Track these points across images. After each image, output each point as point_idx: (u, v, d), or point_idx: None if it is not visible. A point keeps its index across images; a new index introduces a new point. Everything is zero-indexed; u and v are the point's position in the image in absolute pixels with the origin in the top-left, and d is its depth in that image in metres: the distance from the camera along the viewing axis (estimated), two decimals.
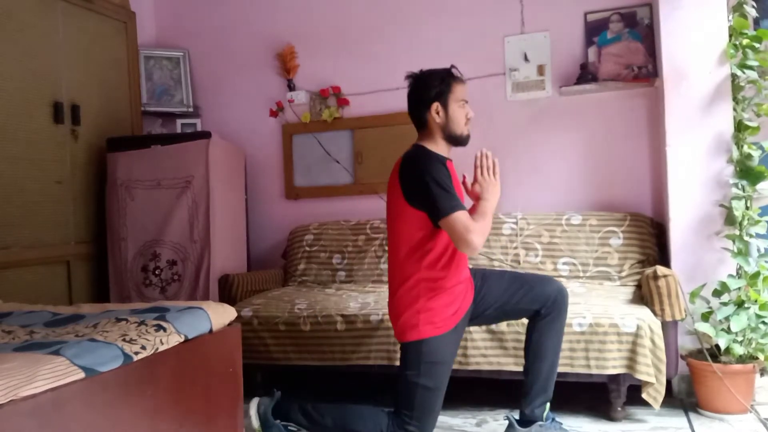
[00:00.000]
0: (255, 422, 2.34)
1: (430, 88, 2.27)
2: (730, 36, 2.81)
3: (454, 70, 2.31)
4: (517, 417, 2.33)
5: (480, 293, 2.34)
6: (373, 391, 3.06)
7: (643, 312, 2.58)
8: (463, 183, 2.29)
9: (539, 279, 2.39)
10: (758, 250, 2.74)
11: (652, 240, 3.15)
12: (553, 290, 2.30)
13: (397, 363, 2.76)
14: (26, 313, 2.13)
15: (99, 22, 3.68)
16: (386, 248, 3.48)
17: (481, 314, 2.36)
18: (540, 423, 2.29)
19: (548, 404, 2.34)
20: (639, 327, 2.49)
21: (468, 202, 2.21)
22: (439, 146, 2.29)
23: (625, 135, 3.41)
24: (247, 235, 3.81)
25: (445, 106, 2.26)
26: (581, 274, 3.19)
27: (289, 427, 2.35)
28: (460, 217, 2.08)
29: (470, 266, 2.39)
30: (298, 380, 3.30)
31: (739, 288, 2.64)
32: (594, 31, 3.44)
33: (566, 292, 2.33)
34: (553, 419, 2.33)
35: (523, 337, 2.61)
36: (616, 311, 2.58)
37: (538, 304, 2.29)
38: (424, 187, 2.14)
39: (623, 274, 3.13)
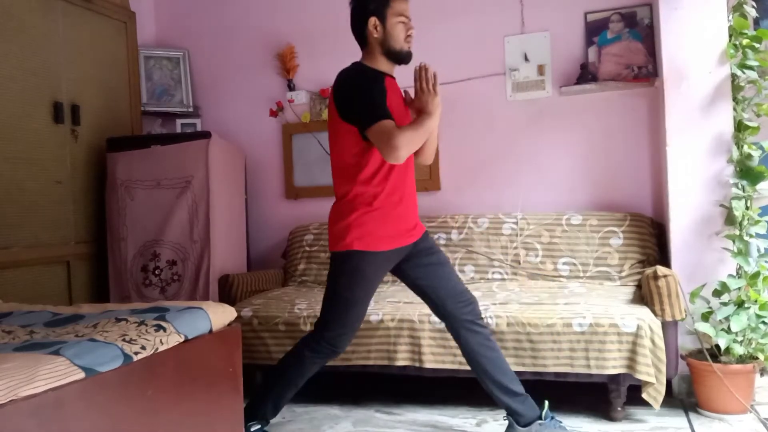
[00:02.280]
0: None
1: (367, 2, 2.27)
2: (730, 36, 2.81)
3: None
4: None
5: (424, 258, 2.34)
6: (373, 392, 3.06)
7: (643, 312, 2.58)
8: (405, 98, 2.32)
9: (461, 288, 2.40)
10: (758, 250, 2.73)
11: (652, 240, 3.16)
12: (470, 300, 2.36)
13: (397, 363, 2.77)
14: (26, 313, 2.12)
15: (99, 22, 3.68)
16: None
17: (409, 270, 2.36)
18: (540, 421, 2.30)
19: (547, 402, 2.35)
20: (639, 327, 2.49)
21: None
22: (378, 62, 2.29)
23: (625, 135, 3.41)
24: (247, 235, 3.81)
25: (382, 21, 2.25)
26: (581, 274, 3.19)
27: (251, 427, 2.34)
28: (384, 124, 2.10)
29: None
30: None
31: (739, 288, 2.64)
32: (594, 31, 3.43)
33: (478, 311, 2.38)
34: (553, 418, 2.34)
35: (523, 337, 2.62)
36: (616, 311, 2.58)
37: (453, 302, 2.32)
38: (351, 100, 2.19)
39: (623, 274, 3.13)
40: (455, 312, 2.32)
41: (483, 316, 2.63)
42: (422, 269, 2.35)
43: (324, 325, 2.32)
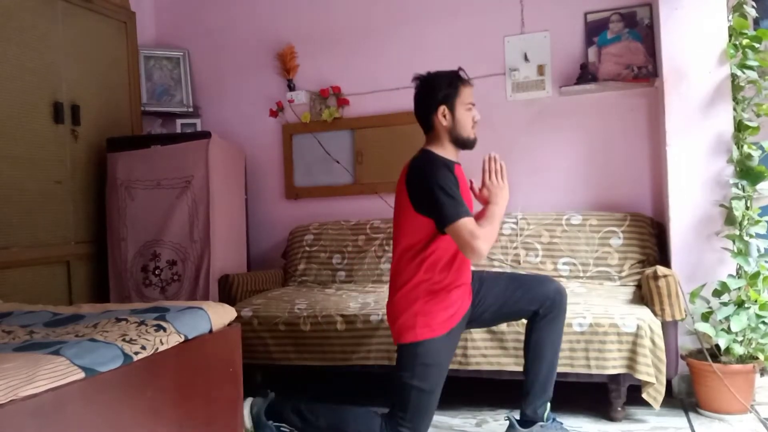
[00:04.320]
0: (248, 422, 2.34)
1: (437, 90, 2.25)
2: (730, 36, 2.81)
3: (461, 73, 2.29)
4: (517, 417, 2.33)
5: (478, 296, 2.34)
6: (373, 391, 3.06)
7: (643, 312, 2.58)
8: (471, 188, 2.28)
9: (537, 279, 2.39)
10: (758, 250, 2.73)
11: (652, 240, 3.15)
12: (551, 290, 2.30)
13: None
14: (26, 313, 2.13)
15: (99, 21, 3.68)
16: (386, 248, 3.48)
17: (479, 317, 2.35)
18: (541, 423, 2.29)
19: (549, 404, 2.34)
20: (639, 327, 2.49)
21: (478, 207, 2.20)
22: (446, 150, 2.28)
23: (625, 135, 3.41)
24: (247, 235, 3.81)
25: (452, 110, 2.25)
26: (581, 274, 3.19)
27: (281, 428, 2.35)
28: (466, 223, 2.08)
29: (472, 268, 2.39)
30: (298, 380, 3.30)
31: (739, 288, 2.64)
32: (594, 31, 3.43)
33: (565, 292, 2.33)
34: (554, 419, 2.33)
35: (523, 337, 2.61)
36: (616, 311, 2.58)
37: (536, 305, 2.29)
38: (430, 194, 2.14)
39: (623, 274, 3.13)
40: (531, 313, 2.31)
41: None
42: (484, 305, 2.33)
43: (403, 419, 2.20)
